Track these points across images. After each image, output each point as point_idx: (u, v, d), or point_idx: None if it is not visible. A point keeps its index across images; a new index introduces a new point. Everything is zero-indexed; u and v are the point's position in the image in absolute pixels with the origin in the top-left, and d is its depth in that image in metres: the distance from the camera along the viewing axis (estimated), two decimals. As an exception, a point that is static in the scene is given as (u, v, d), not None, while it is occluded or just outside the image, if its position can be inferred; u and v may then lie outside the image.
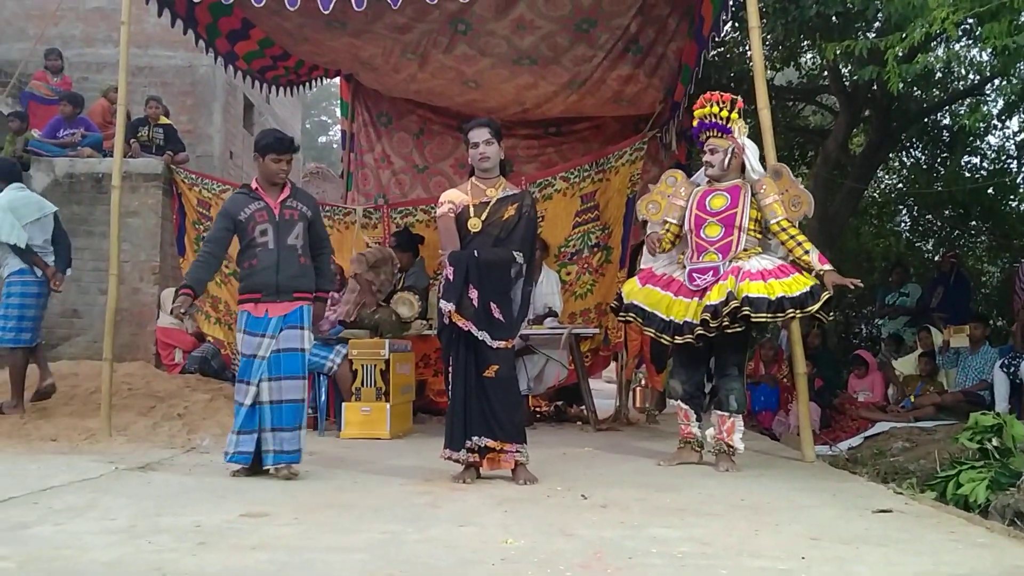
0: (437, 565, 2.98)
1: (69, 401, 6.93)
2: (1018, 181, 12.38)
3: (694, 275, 5.09)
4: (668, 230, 5.36)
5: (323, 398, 7.07)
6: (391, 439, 6.55)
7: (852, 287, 4.97)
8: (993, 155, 12.69)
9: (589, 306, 8.07)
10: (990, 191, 12.01)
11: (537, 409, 8.39)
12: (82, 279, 8.43)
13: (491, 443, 4.58)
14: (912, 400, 8.06)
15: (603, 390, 10.05)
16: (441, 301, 4.68)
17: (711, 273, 5.02)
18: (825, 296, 4.74)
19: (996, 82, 10.95)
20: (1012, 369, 7.21)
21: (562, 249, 8.03)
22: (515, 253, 4.69)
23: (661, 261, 5.44)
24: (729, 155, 5.14)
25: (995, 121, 11.74)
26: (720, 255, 5.05)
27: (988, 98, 11.74)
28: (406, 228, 8.01)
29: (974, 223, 12.65)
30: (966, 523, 3.78)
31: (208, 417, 6.77)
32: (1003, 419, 4.96)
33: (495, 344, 4.60)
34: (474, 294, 4.60)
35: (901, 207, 13.38)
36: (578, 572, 2.88)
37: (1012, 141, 12.53)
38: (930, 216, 13.06)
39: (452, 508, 3.97)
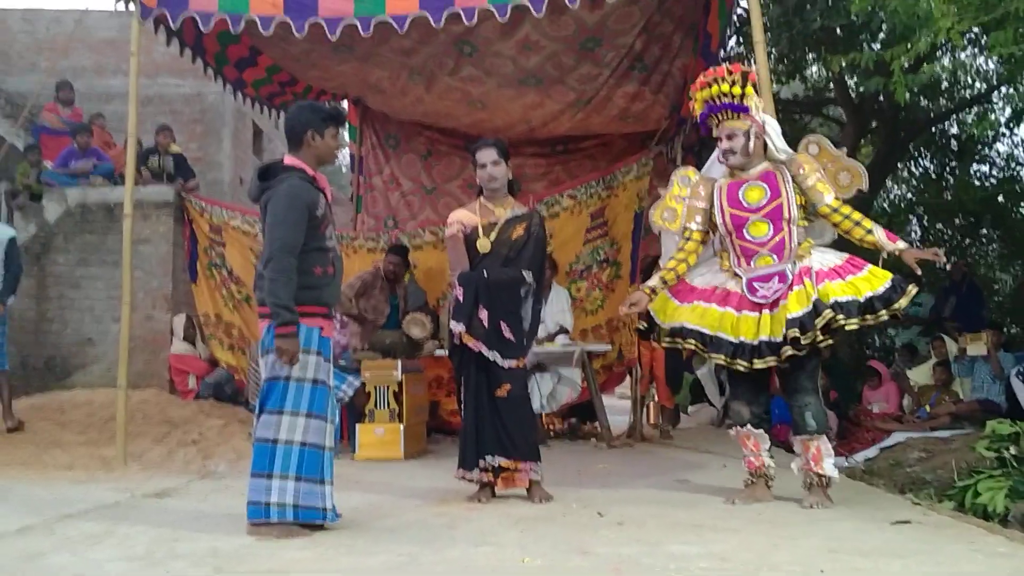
0: (454, 586, 2.97)
1: (85, 429, 6.95)
2: (1028, 188, 12.37)
3: (755, 284, 4.37)
4: (689, 238, 4.66)
5: (337, 421, 7.05)
6: (405, 460, 6.54)
7: (935, 259, 4.41)
8: (1002, 163, 12.67)
9: (600, 322, 8.07)
10: (1000, 199, 11.98)
11: (551, 427, 8.37)
12: (95, 308, 8.47)
13: (505, 462, 4.57)
14: (927, 410, 8.01)
15: (616, 406, 10.02)
16: (451, 322, 4.69)
17: (776, 279, 4.33)
18: (912, 291, 4.15)
19: (1003, 90, 10.96)
20: (1029, 377, 7.17)
21: (572, 266, 8.04)
22: (524, 272, 4.70)
23: (698, 271, 4.68)
24: (751, 138, 4.45)
25: (1003, 129, 11.73)
26: (775, 256, 4.37)
27: (996, 106, 11.74)
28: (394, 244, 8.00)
29: (985, 231, 12.61)
30: (986, 533, 3.75)
31: (223, 443, 6.77)
32: (1020, 427, 4.92)
33: (506, 364, 4.60)
34: (484, 314, 4.61)
35: (911, 217, 13.34)
36: (596, 590, 2.87)
37: (1021, 148, 12.56)
38: (940, 225, 13.03)
39: (468, 528, 3.96)
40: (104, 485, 5.42)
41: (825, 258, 4.35)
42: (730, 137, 4.47)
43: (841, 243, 4.59)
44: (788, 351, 4.19)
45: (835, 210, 4.39)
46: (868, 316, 4.12)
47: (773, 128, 4.54)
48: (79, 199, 8.70)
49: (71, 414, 7.26)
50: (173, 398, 8.05)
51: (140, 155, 8.66)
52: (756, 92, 4.48)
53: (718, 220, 4.54)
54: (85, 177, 9.00)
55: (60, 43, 11.54)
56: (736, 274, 4.48)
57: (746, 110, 4.44)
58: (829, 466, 4.35)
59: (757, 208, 4.44)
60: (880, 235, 4.30)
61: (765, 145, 4.51)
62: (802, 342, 4.15)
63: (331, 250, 4.03)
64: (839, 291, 4.14)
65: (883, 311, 4.10)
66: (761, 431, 4.54)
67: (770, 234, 4.41)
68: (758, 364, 4.28)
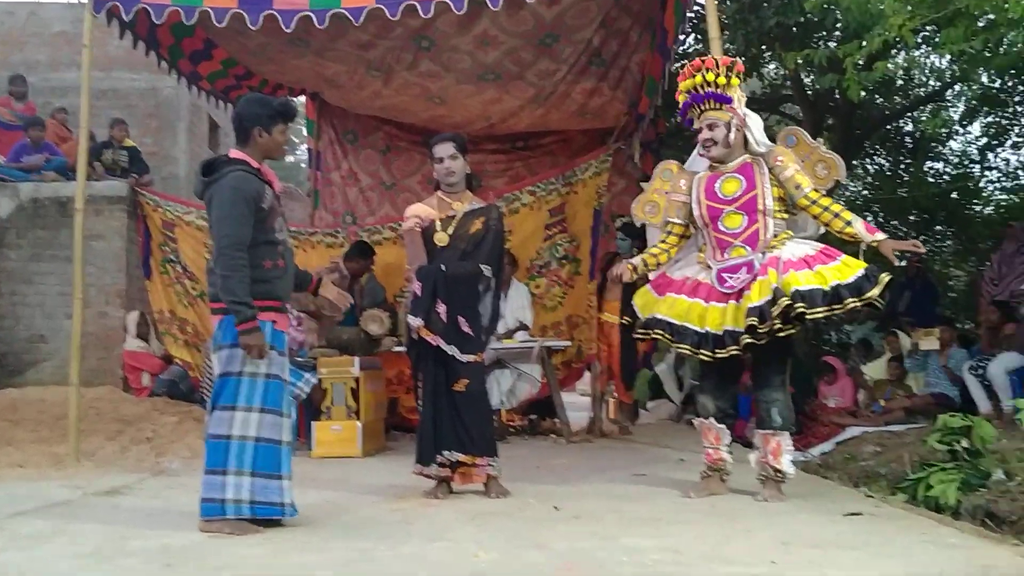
0: (408, 581, 2.96)
1: (36, 427, 6.82)
2: (981, 185, 12.57)
3: (724, 275, 4.37)
4: (671, 232, 4.66)
5: (293, 416, 6.99)
6: (363, 457, 6.49)
7: (914, 249, 4.42)
8: (956, 160, 12.87)
9: (560, 319, 8.08)
10: (954, 196, 12.17)
11: (510, 423, 8.36)
12: (47, 304, 8.32)
13: (463, 457, 4.55)
14: (882, 404, 8.11)
15: (576, 403, 10.05)
16: (409, 317, 4.67)
17: (744, 270, 4.31)
18: (884, 279, 4.08)
19: (956, 88, 11.14)
20: (980, 371, 7.28)
21: (532, 262, 8.04)
22: (483, 267, 4.69)
23: (676, 264, 4.69)
24: (732, 129, 4.42)
25: (957, 126, 11.93)
26: (748, 247, 4.36)
27: (949, 103, 11.92)
28: (359, 242, 7.95)
29: (939, 228, 12.80)
30: (937, 524, 3.81)
31: (176, 440, 6.68)
32: (972, 421, 4.98)
33: (465, 358, 4.59)
34: (442, 308, 4.59)
35: (867, 213, 13.50)
36: (549, 584, 2.87)
37: (974, 146, 12.72)
38: (896, 222, 13.20)
39: (424, 524, 3.95)
40: (56, 483, 5.33)
41: (797, 249, 4.31)
42: (711, 127, 4.45)
43: (829, 237, 4.56)
44: (746, 339, 4.17)
45: (814, 202, 4.37)
46: (835, 305, 4.06)
47: (754, 122, 4.55)
48: (31, 194, 8.54)
49: (23, 411, 7.12)
50: (126, 395, 7.94)
51: (94, 149, 8.54)
52: (741, 83, 4.48)
53: (695, 212, 4.54)
54: (38, 172, 8.85)
55: (13, 36, 11.34)
56: (708, 266, 4.48)
57: (729, 101, 4.42)
58: (787, 462, 4.38)
59: (732, 200, 4.44)
60: (859, 226, 4.28)
61: (745, 139, 4.50)
62: (759, 330, 4.13)
63: (281, 243, 3.98)
64: (803, 280, 4.10)
65: (851, 300, 4.04)
66: (724, 426, 4.54)
67: (744, 225, 4.41)
68: (720, 354, 4.28)
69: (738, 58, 4.55)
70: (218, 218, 3.82)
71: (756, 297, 4.18)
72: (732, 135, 4.43)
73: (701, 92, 4.44)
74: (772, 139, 4.64)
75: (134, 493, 5.02)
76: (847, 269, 4.12)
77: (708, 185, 4.53)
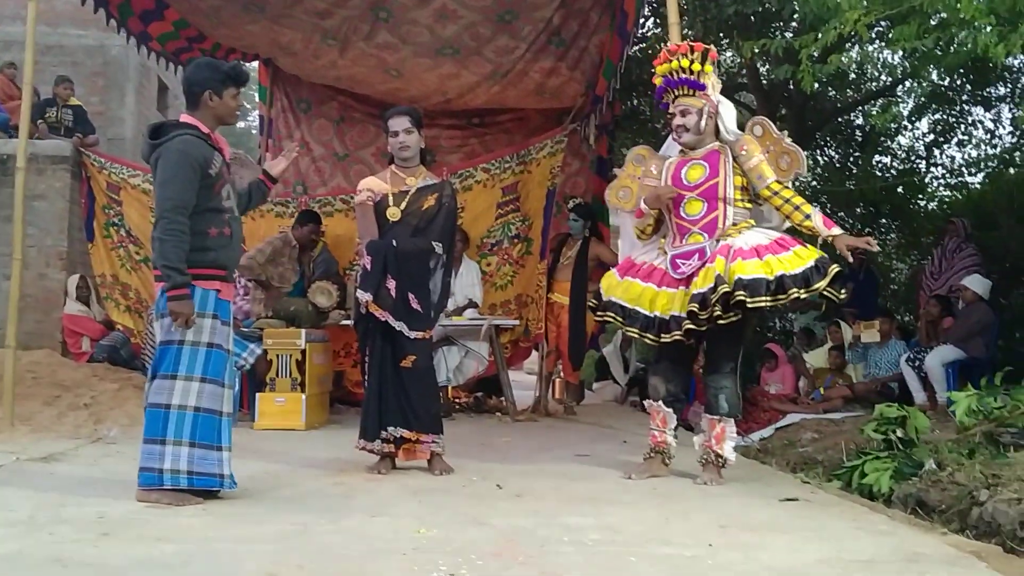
0: (348, 556, 2.95)
1: (-31, 390, 6.67)
2: (926, 181, 12.79)
3: (678, 261, 4.41)
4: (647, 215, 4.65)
5: (236, 388, 6.92)
6: (307, 430, 6.45)
7: (867, 247, 4.39)
8: (903, 155, 13.07)
9: (509, 297, 8.08)
10: (900, 190, 12.37)
11: (456, 400, 8.37)
12: (-15, 264, 8.13)
13: (407, 434, 4.55)
14: (822, 392, 8.27)
15: (523, 381, 10.08)
16: (358, 291, 4.63)
17: (696, 256, 4.34)
18: (833, 270, 4.08)
19: (907, 84, 11.31)
20: (917, 363, 7.45)
21: (483, 240, 8.02)
22: (434, 243, 4.67)
23: (643, 248, 4.72)
24: (704, 116, 4.44)
25: (905, 122, 12.11)
26: (706, 235, 4.38)
27: (899, 99, 12.10)
28: (305, 209, 7.85)
29: (884, 221, 12.99)
30: (869, 511, 3.90)
31: (116, 407, 6.58)
32: (907, 411, 5.10)
33: (413, 334, 4.57)
34: (392, 284, 4.57)
35: (815, 204, 13.70)
36: (489, 561, 2.88)
37: (921, 142, 12.93)
38: (842, 213, 13.37)
39: (366, 499, 3.94)
40: (-12, 448, 5.22)
41: (752, 238, 4.31)
42: (684, 113, 4.47)
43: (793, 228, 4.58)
44: (687, 324, 4.21)
45: (775, 193, 4.39)
46: (780, 295, 4.05)
47: (727, 109, 4.56)
48: (-30, 150, 8.30)
49: None
50: (65, 360, 7.79)
51: (37, 107, 8.31)
52: (715, 71, 4.50)
53: None
54: (-23, 127, 8.61)
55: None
56: (665, 251, 4.53)
57: (702, 87, 4.45)
58: (728, 448, 4.44)
59: (695, 186, 4.45)
60: (817, 221, 4.30)
61: (717, 126, 4.52)
62: (700, 317, 4.17)
63: (227, 211, 3.93)
64: (750, 269, 4.10)
65: (795, 290, 4.04)
66: (671, 410, 4.57)
67: (703, 212, 4.42)
68: (664, 338, 4.33)
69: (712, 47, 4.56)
70: (162, 181, 3.76)
71: (701, 284, 4.21)
72: (703, 122, 4.45)
73: (675, 78, 4.47)
74: (742, 128, 4.66)
75: (70, 460, 4.93)
76: (797, 259, 4.12)
77: (675, 171, 4.54)
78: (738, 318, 4.24)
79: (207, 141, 3.86)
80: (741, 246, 4.25)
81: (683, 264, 4.38)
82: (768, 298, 4.08)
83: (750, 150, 4.44)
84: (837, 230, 4.31)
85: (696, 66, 4.42)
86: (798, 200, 4.38)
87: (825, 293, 4.13)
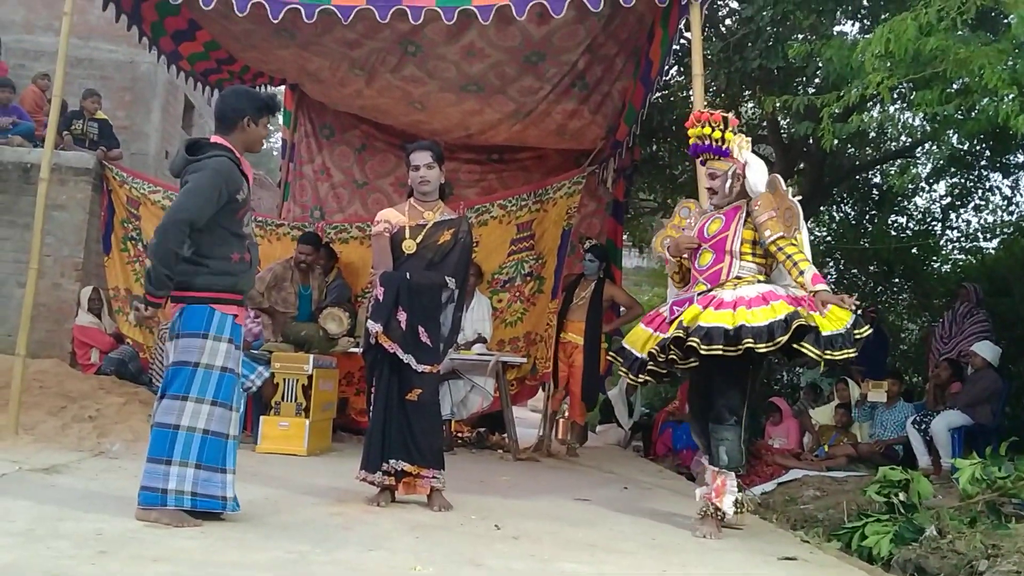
0: (342, 589, 2.94)
1: (-25, 395, 6.70)
2: (941, 243, 12.78)
3: (674, 308, 4.59)
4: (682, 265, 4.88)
5: (241, 409, 6.92)
6: (308, 456, 6.44)
7: (841, 304, 4.30)
8: (919, 216, 13.07)
9: (518, 334, 8.10)
10: (914, 251, 12.36)
11: (459, 434, 8.36)
12: (0, 270, 8.18)
13: (408, 467, 4.54)
14: (826, 449, 8.22)
15: (526, 419, 10.07)
16: (369, 321, 4.65)
17: (688, 303, 4.50)
18: (797, 324, 4.13)
19: (926, 146, 11.33)
20: (923, 426, 7.41)
21: (495, 276, 8.05)
22: (447, 278, 4.69)
23: (674, 296, 4.89)
24: (730, 179, 4.60)
25: (923, 183, 12.12)
26: (709, 284, 4.52)
27: (918, 160, 12.12)
28: (308, 232, 7.92)
29: (897, 280, 12.97)
30: (867, 575, 3.86)
31: (121, 421, 6.59)
32: (910, 475, 5.07)
33: (420, 368, 4.58)
34: (403, 316, 4.58)
35: (828, 260, 13.68)
36: (484, 604, 2.87)
37: (938, 204, 12.93)
38: (855, 271, 13.37)
39: (363, 531, 3.93)
40: (-9, 455, 5.24)
41: (746, 291, 4.38)
42: (712, 177, 4.67)
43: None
44: (650, 367, 4.58)
45: (780, 248, 4.45)
46: (737, 345, 4.14)
47: (754, 169, 4.65)
48: (-6, 156, 8.40)
49: None
50: (73, 371, 7.81)
51: (64, 118, 8.41)
52: (737, 135, 4.62)
53: None
54: (3, 134, 8.70)
55: (-11, -5, 11.14)
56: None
57: (727, 153, 4.59)
58: (727, 503, 4.44)
59: (710, 238, 4.61)
60: (808, 277, 4.35)
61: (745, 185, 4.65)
62: (659, 359, 4.49)
63: (247, 237, 3.99)
64: (715, 319, 4.23)
65: (749, 341, 4.12)
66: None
67: (710, 263, 4.57)
68: (641, 377, 4.71)
69: (730, 113, 4.71)
70: (187, 190, 3.80)
71: (670, 329, 4.44)
72: (729, 184, 4.61)
73: (702, 144, 4.64)
74: None
75: (72, 472, 4.93)
76: (768, 313, 4.20)
77: (702, 224, 4.72)
78: (736, 367, 4.33)
79: (238, 166, 3.92)
80: (723, 298, 4.36)
81: (677, 311, 4.54)
82: (721, 347, 4.17)
83: (762, 206, 4.51)
84: (821, 287, 4.33)
85: (716, 134, 4.56)
86: (798, 257, 4.43)
87: (803, 349, 4.18)
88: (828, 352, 4.17)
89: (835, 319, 4.22)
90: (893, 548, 4.53)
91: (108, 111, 9.68)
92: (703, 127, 4.59)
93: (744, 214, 4.57)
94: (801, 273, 4.38)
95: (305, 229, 8.15)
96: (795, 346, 4.20)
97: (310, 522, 4.06)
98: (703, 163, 4.80)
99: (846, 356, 4.23)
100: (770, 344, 4.14)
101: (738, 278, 4.48)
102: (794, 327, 4.14)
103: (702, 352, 4.21)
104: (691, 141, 4.73)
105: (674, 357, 4.45)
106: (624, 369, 4.75)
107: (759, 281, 4.49)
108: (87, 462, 5.37)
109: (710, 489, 4.49)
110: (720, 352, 4.20)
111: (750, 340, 4.13)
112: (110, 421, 6.58)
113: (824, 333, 4.17)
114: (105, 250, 8.44)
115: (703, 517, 4.47)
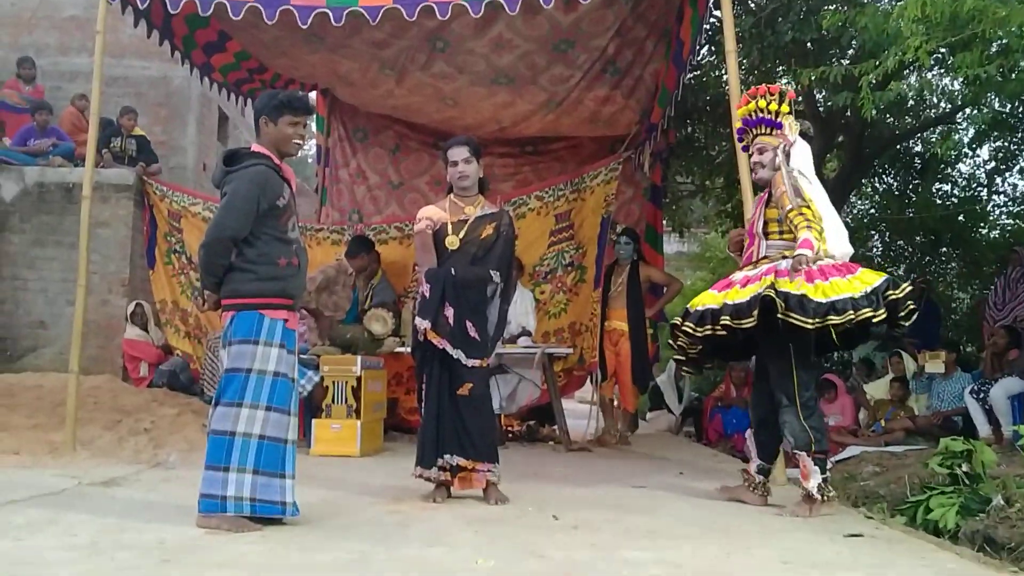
0: (406, 586, 2.93)
1: (33, 414, 6.80)
2: (988, 209, 12.54)
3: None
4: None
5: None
6: (361, 457, 6.47)
7: (797, 269, 4.23)
8: (964, 183, 12.83)
9: (563, 325, 8.06)
10: (961, 218, 12.13)
11: (509, 428, 8.34)
12: (49, 290, 8.32)
13: (463, 462, 4.53)
14: (883, 424, 8.09)
15: (575, 410, 10.02)
16: (416, 318, 4.65)
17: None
18: (765, 294, 4.19)
19: (967, 111, 11.10)
20: (982, 396, 7.26)
21: (536, 268, 8.02)
22: (492, 272, 4.68)
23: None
24: (778, 154, 4.56)
25: (966, 149, 11.87)
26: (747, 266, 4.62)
27: (959, 126, 11.88)
28: (357, 235, 7.93)
29: (945, 250, 12.75)
30: (936, 548, 3.78)
31: (175, 432, 6.66)
32: (973, 445, 4.96)
33: (470, 362, 4.57)
34: (450, 312, 4.58)
35: (873, 232, 13.48)
36: (549, 594, 2.85)
37: (982, 169, 12.68)
38: (902, 242, 13.16)
39: (422, 527, 3.92)
40: (51, 471, 5.32)
41: (750, 272, 4.48)
42: (760, 151, 4.65)
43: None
44: (724, 321, 4.37)
45: (790, 221, 4.41)
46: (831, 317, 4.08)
47: (800, 149, 4.61)
48: (37, 178, 8.55)
49: (20, 397, 7.10)
50: (126, 385, 7.93)
51: (102, 137, 8.52)
52: (792, 112, 4.60)
53: None
54: (44, 156, 8.84)
55: (24, 19, 11.28)
56: None
57: (780, 126, 4.58)
58: (813, 484, 4.40)
59: (749, 227, 4.75)
60: (799, 244, 4.28)
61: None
62: (725, 323, 4.36)
63: (294, 241, 3.98)
64: (790, 286, 4.17)
65: (726, 319, 4.29)
66: (753, 441, 4.79)
67: (747, 248, 4.70)
68: (699, 331, 4.51)
69: (788, 87, 4.78)
70: (226, 204, 3.83)
71: (735, 296, 4.38)
72: (778, 159, 4.55)
73: (753, 118, 4.66)
74: None
75: (130, 485, 4.99)
76: (739, 293, 4.34)
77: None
78: (782, 349, 4.38)
79: (278, 172, 3.92)
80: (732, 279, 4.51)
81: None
82: (815, 320, 4.12)
83: (776, 183, 4.52)
84: (801, 251, 4.24)
85: (773, 106, 4.58)
86: (803, 229, 4.32)
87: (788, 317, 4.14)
88: (831, 318, 4.08)
89: (861, 282, 4.18)
90: (960, 520, 4.42)
91: (144, 127, 9.80)
92: (758, 100, 4.60)
93: (766, 195, 4.60)
94: (799, 241, 4.32)
95: (344, 232, 8.18)
96: (779, 316, 4.16)
97: (369, 522, 4.06)
98: (745, 148, 4.78)
99: (865, 317, 4.13)
100: (739, 322, 4.27)
101: (765, 257, 4.52)
102: (761, 298, 4.19)
103: (781, 318, 4.14)
104: (736, 124, 4.72)
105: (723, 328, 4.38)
106: (690, 325, 4.55)
107: (783, 257, 4.43)
108: (145, 474, 5.44)
109: (798, 473, 4.52)
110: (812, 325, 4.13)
111: (727, 318, 4.31)
112: (165, 432, 6.66)
113: (817, 299, 4.10)
114: (149, 264, 8.54)
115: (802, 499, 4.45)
